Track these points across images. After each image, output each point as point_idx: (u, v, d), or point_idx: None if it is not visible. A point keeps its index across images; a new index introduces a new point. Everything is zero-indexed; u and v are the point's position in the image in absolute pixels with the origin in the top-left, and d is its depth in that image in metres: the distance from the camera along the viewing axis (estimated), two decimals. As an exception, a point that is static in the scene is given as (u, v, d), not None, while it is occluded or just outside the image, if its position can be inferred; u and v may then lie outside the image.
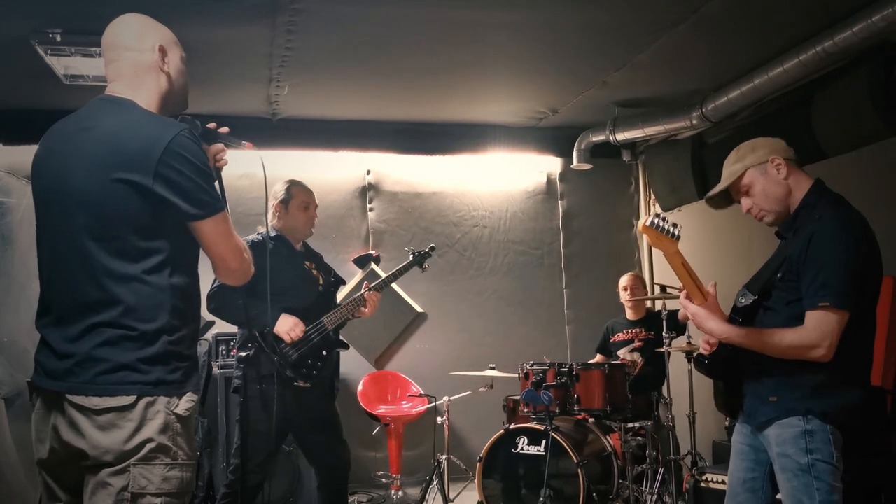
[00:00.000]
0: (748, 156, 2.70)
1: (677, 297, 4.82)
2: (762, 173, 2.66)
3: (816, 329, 2.42)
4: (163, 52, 2.16)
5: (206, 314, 3.55)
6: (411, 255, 4.26)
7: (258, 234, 3.80)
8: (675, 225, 2.43)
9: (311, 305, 3.85)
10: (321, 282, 3.99)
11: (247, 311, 3.52)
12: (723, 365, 2.71)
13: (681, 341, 4.99)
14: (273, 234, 3.87)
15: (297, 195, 3.93)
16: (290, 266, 3.84)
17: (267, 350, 3.64)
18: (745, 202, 2.73)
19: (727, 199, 2.82)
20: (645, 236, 2.47)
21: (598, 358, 5.57)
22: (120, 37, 2.16)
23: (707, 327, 2.59)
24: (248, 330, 3.71)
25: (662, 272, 6.47)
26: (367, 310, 4.01)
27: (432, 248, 4.36)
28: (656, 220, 2.41)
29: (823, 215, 2.53)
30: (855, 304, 2.44)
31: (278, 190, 3.94)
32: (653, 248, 6.90)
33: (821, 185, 2.66)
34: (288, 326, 3.68)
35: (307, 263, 3.99)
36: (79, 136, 2.05)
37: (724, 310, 2.67)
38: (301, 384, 3.70)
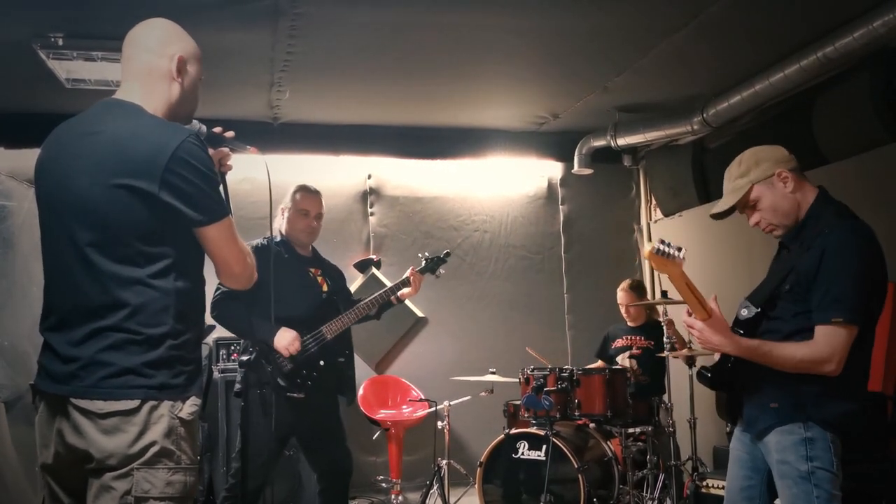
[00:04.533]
0: (753, 170, 2.66)
1: (677, 303, 4.86)
2: (769, 188, 2.64)
3: (828, 344, 2.42)
4: (181, 62, 2.15)
5: (207, 318, 3.54)
6: (424, 261, 4.19)
7: (264, 238, 3.80)
8: (679, 249, 2.40)
9: (313, 313, 3.82)
10: (325, 288, 3.96)
11: (250, 321, 3.52)
12: (725, 376, 2.70)
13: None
14: (278, 238, 3.88)
15: (296, 201, 3.93)
16: (291, 272, 3.82)
17: (262, 360, 3.62)
18: (754, 217, 2.70)
19: (729, 209, 2.79)
20: (651, 263, 2.43)
21: (598, 363, 5.56)
22: (142, 37, 2.15)
23: (715, 342, 2.54)
24: (249, 339, 3.71)
25: (662, 278, 6.45)
26: (411, 289, 4.03)
27: (447, 254, 4.27)
28: (661, 247, 2.37)
29: (833, 228, 2.51)
30: (866, 319, 2.44)
31: (286, 194, 3.96)
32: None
33: (824, 195, 2.64)
34: (286, 342, 3.64)
35: (312, 270, 3.96)
36: (83, 141, 2.03)
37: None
38: (295, 395, 3.67)
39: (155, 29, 2.17)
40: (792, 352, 2.47)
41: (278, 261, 3.77)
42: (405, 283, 4.05)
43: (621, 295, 5.45)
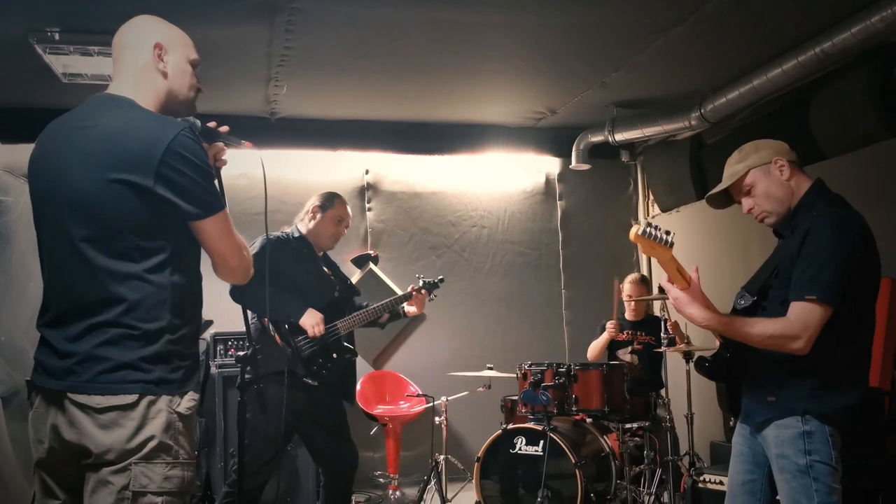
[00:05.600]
0: (751, 156, 2.69)
1: (664, 298, 4.85)
2: (765, 174, 2.65)
3: (798, 320, 2.42)
4: (159, 49, 2.13)
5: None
6: (421, 282, 4.28)
7: (282, 232, 3.92)
8: (667, 232, 2.38)
9: (326, 308, 3.87)
10: (337, 288, 4.04)
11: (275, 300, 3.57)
12: (724, 368, 2.70)
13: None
14: (297, 234, 3.95)
15: (337, 207, 4.01)
16: (309, 267, 3.92)
17: (281, 343, 3.67)
18: (747, 202, 2.71)
19: (727, 199, 2.80)
20: (638, 245, 2.43)
21: (596, 350, 5.46)
22: (122, 36, 2.16)
23: (688, 312, 2.56)
24: (265, 318, 3.73)
25: (660, 273, 6.46)
26: (414, 308, 4.16)
27: (441, 280, 4.40)
28: (648, 230, 2.36)
29: (820, 213, 2.53)
30: (843, 302, 2.43)
31: (320, 196, 4.03)
32: (651, 249, 6.89)
33: (820, 185, 2.66)
34: (314, 321, 3.74)
35: (325, 269, 4.05)
36: (77, 136, 2.03)
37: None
38: (310, 382, 3.72)
39: (132, 25, 2.18)
40: (763, 327, 2.47)
41: (300, 255, 3.89)
42: (409, 296, 4.17)
43: (630, 287, 5.40)
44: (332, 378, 3.84)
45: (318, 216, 3.97)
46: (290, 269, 3.72)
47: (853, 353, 2.50)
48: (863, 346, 2.55)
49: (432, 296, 4.33)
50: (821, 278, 2.41)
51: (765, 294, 2.63)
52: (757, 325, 2.49)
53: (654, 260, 6.84)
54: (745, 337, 2.51)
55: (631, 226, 6.84)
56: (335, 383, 3.91)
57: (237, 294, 3.71)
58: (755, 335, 2.48)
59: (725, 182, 2.73)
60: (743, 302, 2.66)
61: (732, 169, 2.72)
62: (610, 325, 5.20)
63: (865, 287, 2.52)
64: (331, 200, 4.01)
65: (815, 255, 2.45)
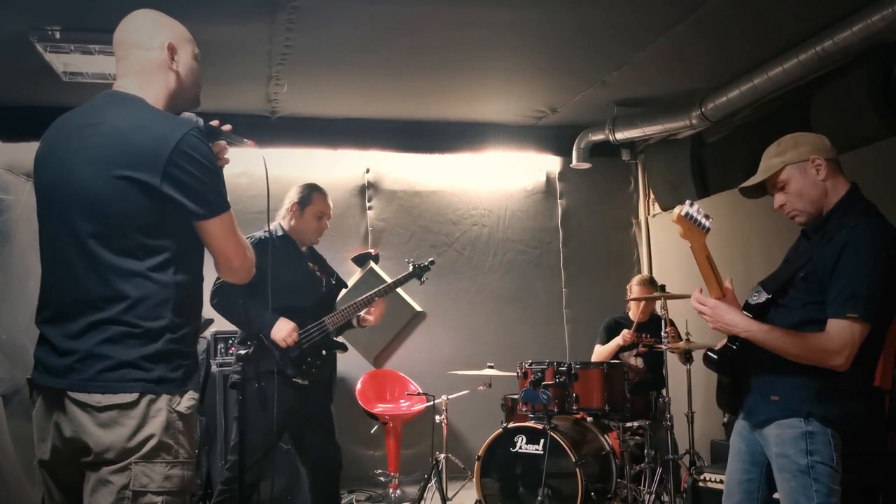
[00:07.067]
0: (789, 151, 2.63)
1: (679, 297, 4.84)
2: (801, 172, 2.60)
3: (840, 338, 2.41)
4: (172, 49, 2.13)
5: (205, 312, 3.56)
6: (411, 267, 4.25)
7: (264, 231, 3.81)
8: (707, 217, 2.37)
9: (313, 305, 3.86)
10: (324, 283, 4.01)
11: (247, 311, 3.54)
12: (731, 362, 2.69)
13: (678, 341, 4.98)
14: (279, 233, 3.89)
15: (316, 202, 3.94)
16: (294, 266, 3.87)
17: (268, 345, 3.65)
18: (779, 198, 2.67)
19: (760, 189, 2.75)
20: (678, 227, 2.42)
21: (602, 356, 5.39)
22: (129, 33, 2.14)
23: (728, 319, 2.55)
24: (246, 329, 3.72)
25: (661, 272, 6.47)
26: (371, 317, 4.02)
27: (432, 262, 4.35)
28: (691, 212, 2.34)
29: (857, 224, 2.49)
30: (877, 318, 2.43)
31: (299, 191, 3.95)
32: (652, 249, 6.90)
33: (856, 191, 2.62)
34: (284, 333, 3.66)
35: (310, 265, 4.00)
36: (83, 132, 2.02)
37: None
38: (300, 381, 3.71)
39: (139, 23, 2.15)
40: (804, 340, 2.46)
41: (282, 255, 3.83)
42: (392, 287, 4.10)
43: (638, 289, 5.35)
44: (322, 376, 3.83)
45: (298, 213, 3.91)
46: (276, 270, 3.65)
47: (863, 361, 2.48)
48: (871, 354, 2.53)
49: (424, 278, 4.28)
50: (862, 296, 2.40)
51: (783, 293, 2.60)
52: (798, 338, 2.47)
53: (654, 259, 6.85)
54: (783, 348, 2.48)
55: (632, 224, 6.95)
56: (326, 378, 3.90)
57: (218, 306, 3.71)
58: (795, 347, 2.47)
59: (760, 175, 2.68)
60: (756, 297, 2.65)
61: (768, 162, 2.67)
62: (626, 333, 5.18)
63: (889, 300, 2.49)
64: (309, 196, 3.93)
65: (854, 271, 2.43)
